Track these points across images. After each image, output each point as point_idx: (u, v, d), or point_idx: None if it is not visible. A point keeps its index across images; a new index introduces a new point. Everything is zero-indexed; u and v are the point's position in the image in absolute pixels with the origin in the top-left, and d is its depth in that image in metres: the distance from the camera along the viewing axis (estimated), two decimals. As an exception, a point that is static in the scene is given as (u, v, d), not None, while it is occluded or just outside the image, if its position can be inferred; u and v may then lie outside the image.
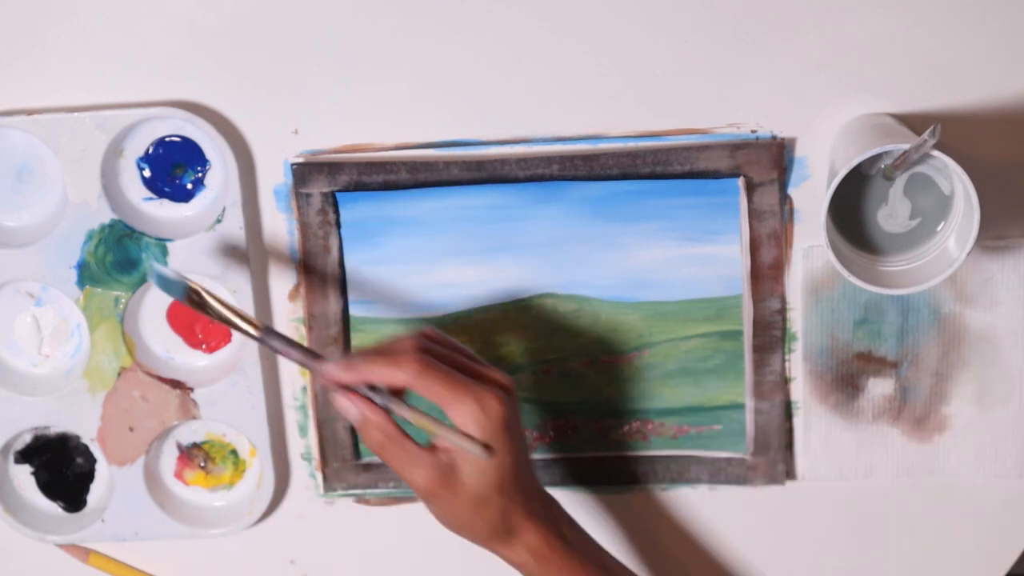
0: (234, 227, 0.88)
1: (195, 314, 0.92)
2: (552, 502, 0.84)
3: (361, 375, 0.78)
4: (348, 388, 0.79)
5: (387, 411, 0.79)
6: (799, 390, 0.91)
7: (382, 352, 0.79)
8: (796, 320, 0.89)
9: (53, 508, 0.97)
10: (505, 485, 0.79)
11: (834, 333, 0.89)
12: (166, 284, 0.82)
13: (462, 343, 0.82)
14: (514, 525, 0.80)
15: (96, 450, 0.95)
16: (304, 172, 0.88)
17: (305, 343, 0.91)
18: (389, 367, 0.77)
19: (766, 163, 0.86)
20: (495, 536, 0.81)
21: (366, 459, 0.94)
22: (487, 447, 0.77)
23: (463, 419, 0.77)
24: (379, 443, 0.79)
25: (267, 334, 0.80)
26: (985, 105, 0.84)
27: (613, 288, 0.89)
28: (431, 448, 0.79)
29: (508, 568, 0.94)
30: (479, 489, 0.78)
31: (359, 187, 0.88)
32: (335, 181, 0.87)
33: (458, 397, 0.77)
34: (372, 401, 0.78)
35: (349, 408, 0.79)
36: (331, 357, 0.82)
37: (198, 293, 0.81)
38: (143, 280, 0.90)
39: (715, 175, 0.86)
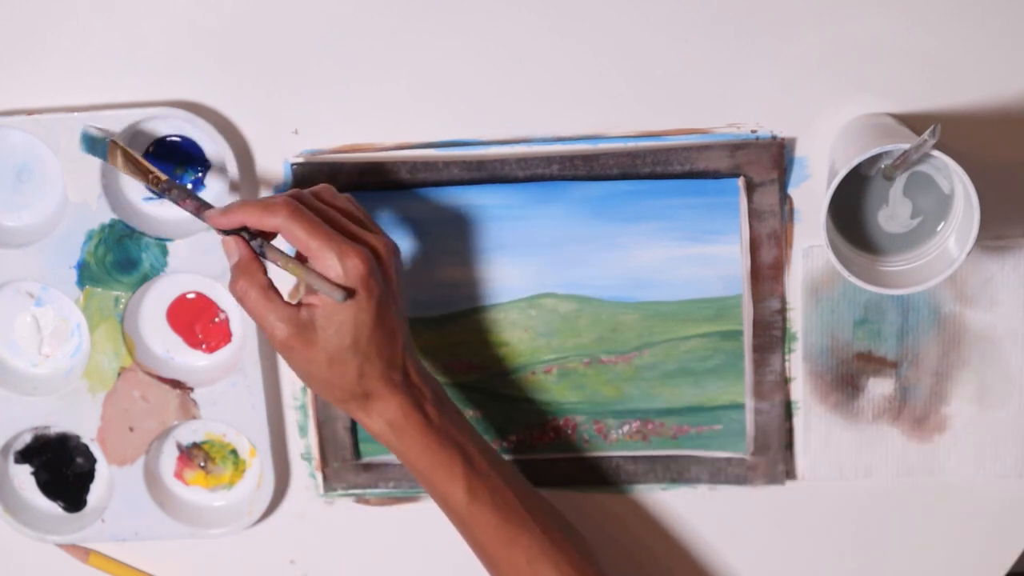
0: (234, 227, 0.88)
1: (195, 314, 0.92)
2: (428, 381, 0.84)
3: (237, 217, 0.80)
4: (232, 233, 0.80)
5: (261, 257, 0.80)
6: (799, 390, 0.91)
7: (261, 200, 0.80)
8: (796, 320, 0.89)
9: (53, 508, 0.97)
10: (361, 344, 0.79)
11: (834, 333, 0.89)
12: (92, 145, 0.85)
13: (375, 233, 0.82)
14: (371, 390, 0.81)
15: (96, 450, 0.95)
16: (304, 172, 0.88)
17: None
18: (261, 211, 0.78)
19: (766, 163, 0.86)
20: (352, 398, 0.81)
21: (366, 459, 0.94)
22: (347, 291, 0.78)
23: (322, 268, 0.78)
24: (243, 289, 0.80)
25: (168, 185, 0.82)
26: (985, 105, 0.84)
27: (613, 288, 0.89)
28: (295, 305, 0.80)
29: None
30: (334, 344, 0.79)
31: (359, 187, 0.88)
32: (335, 181, 0.87)
33: (321, 247, 0.78)
34: (250, 247, 0.80)
35: (231, 249, 0.80)
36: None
37: (115, 144, 0.83)
38: (143, 280, 0.90)
39: (715, 175, 0.86)
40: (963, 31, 0.83)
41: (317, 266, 0.78)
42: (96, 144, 0.85)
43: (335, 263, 0.78)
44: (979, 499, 0.92)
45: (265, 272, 0.80)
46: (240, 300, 0.80)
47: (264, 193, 0.89)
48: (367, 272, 0.78)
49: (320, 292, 0.78)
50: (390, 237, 0.82)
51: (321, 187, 0.83)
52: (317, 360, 0.80)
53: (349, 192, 0.87)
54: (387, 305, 0.80)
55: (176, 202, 0.82)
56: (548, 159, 0.86)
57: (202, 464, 0.95)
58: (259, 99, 0.87)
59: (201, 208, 0.82)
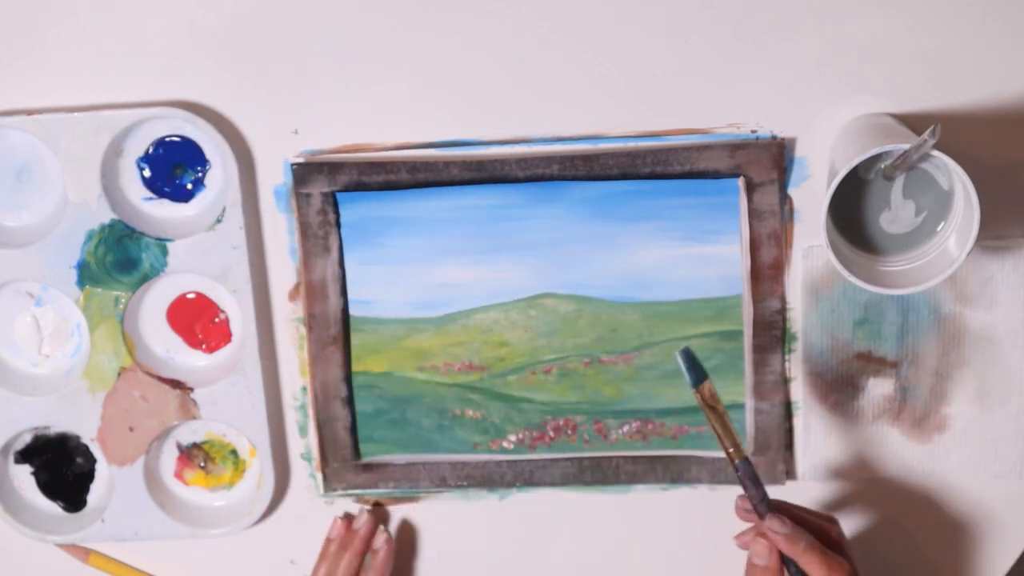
0: (234, 227, 0.88)
1: (195, 314, 0.92)
2: None
3: (796, 550, 0.81)
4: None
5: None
6: (799, 390, 0.91)
7: (823, 549, 0.82)
8: (796, 320, 0.89)
9: (53, 508, 0.97)
10: None
11: (834, 333, 0.89)
12: (692, 365, 0.82)
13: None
14: None
15: (96, 450, 0.95)
16: (304, 172, 0.88)
17: (305, 344, 0.91)
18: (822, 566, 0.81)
19: (766, 163, 0.86)
20: None
21: (366, 459, 0.94)
22: None
23: None
24: None
25: (745, 465, 0.82)
26: (985, 105, 0.84)
27: (613, 288, 0.89)
28: None
29: (507, 569, 0.95)
30: None
31: (359, 187, 0.88)
32: (335, 181, 0.87)
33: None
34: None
35: (763, 553, 0.83)
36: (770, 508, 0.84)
37: (712, 394, 0.82)
38: (143, 280, 0.90)
39: (715, 175, 0.86)
40: (963, 31, 0.83)
41: None
42: (697, 370, 0.82)
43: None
44: (979, 499, 0.92)
45: None
46: None
47: (264, 192, 0.89)
48: None
49: None
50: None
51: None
52: None
53: (349, 192, 0.87)
54: None
55: (744, 484, 0.83)
56: (548, 159, 0.86)
57: (202, 464, 0.95)
58: (259, 99, 0.88)
59: (762, 504, 0.82)
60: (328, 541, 0.94)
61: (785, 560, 0.82)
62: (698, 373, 0.82)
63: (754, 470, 0.82)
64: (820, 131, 0.85)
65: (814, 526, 0.84)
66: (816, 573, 0.81)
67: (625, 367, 0.91)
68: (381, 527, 0.94)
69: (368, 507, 0.95)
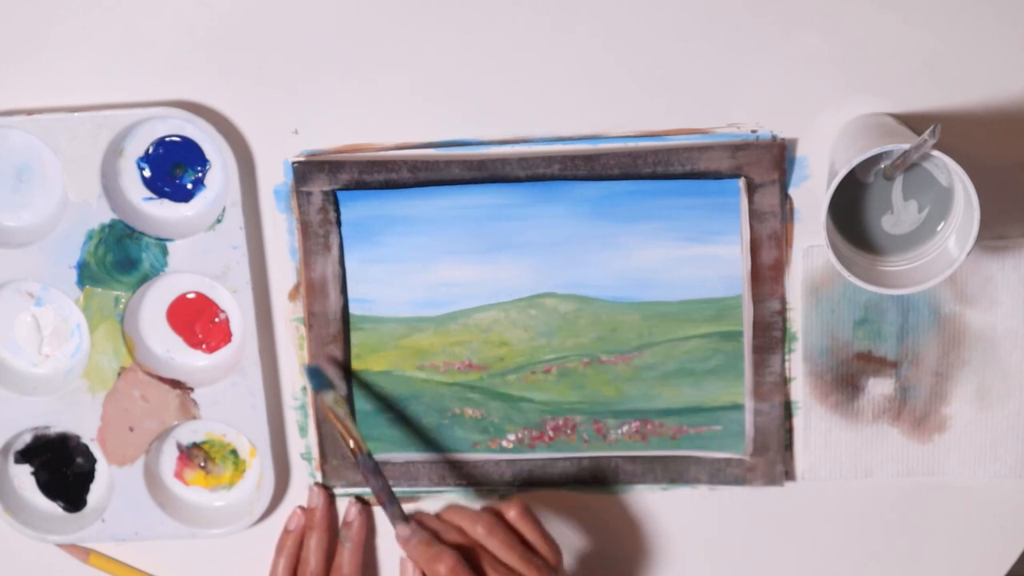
0: (234, 227, 0.88)
1: (195, 314, 0.92)
2: None
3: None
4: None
5: None
6: (799, 390, 0.91)
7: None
8: (796, 320, 0.90)
9: (53, 508, 0.97)
10: None
11: (834, 333, 0.89)
12: (316, 377, 0.90)
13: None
14: None
15: (96, 450, 0.95)
16: (305, 170, 0.88)
17: (305, 343, 0.91)
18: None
19: (767, 164, 0.86)
20: None
21: (366, 459, 0.94)
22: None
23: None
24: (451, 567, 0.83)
25: (366, 459, 0.86)
26: (985, 105, 0.84)
27: (613, 288, 0.89)
28: None
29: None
30: None
31: (360, 185, 0.88)
32: (336, 179, 0.88)
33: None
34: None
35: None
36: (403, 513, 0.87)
37: (335, 400, 0.89)
38: (143, 280, 0.90)
39: (716, 176, 0.86)
40: (963, 31, 0.83)
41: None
42: (320, 381, 0.90)
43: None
44: (979, 499, 0.92)
45: None
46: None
47: (264, 192, 0.89)
48: None
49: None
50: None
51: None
52: None
53: (350, 191, 0.87)
54: None
55: (366, 477, 0.86)
56: (549, 159, 0.86)
57: (202, 464, 0.95)
58: (259, 99, 0.88)
59: (390, 503, 0.86)
60: (286, 533, 0.94)
61: None
62: (321, 383, 0.90)
63: (376, 464, 0.86)
64: (820, 131, 0.85)
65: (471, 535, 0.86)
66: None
67: (625, 367, 0.91)
68: (351, 499, 0.94)
69: (318, 483, 0.95)
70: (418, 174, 0.87)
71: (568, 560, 0.96)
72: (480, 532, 0.85)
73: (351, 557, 0.93)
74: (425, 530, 0.85)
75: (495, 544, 0.85)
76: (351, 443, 0.86)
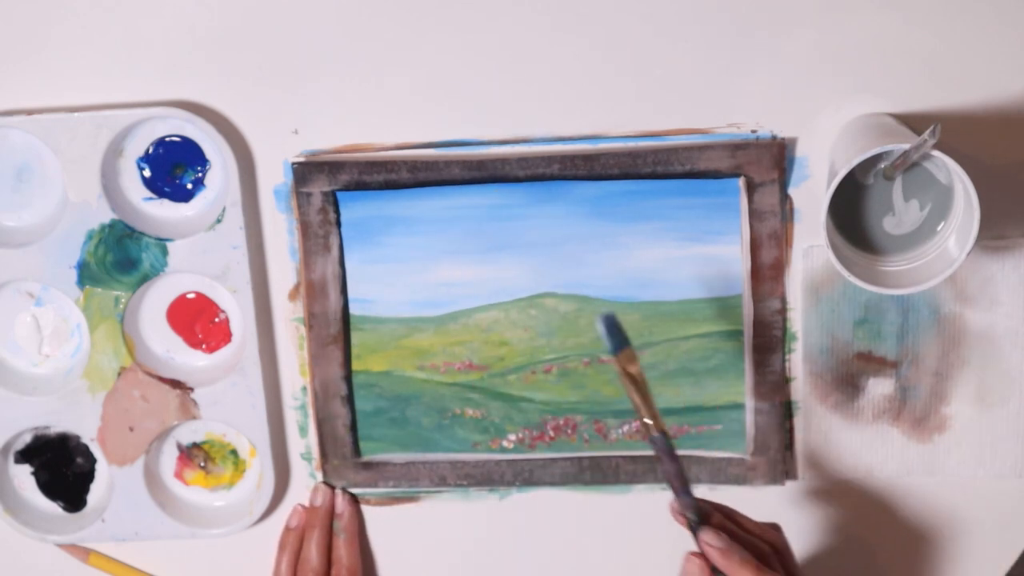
0: (234, 227, 0.88)
1: (195, 314, 0.92)
2: None
3: (730, 564, 0.79)
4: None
5: None
6: (799, 390, 0.91)
7: (757, 565, 0.79)
8: (796, 320, 0.90)
9: (53, 508, 0.97)
10: None
11: (834, 333, 0.89)
12: (613, 331, 0.79)
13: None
14: None
15: (96, 450, 0.95)
16: (305, 171, 0.88)
17: (305, 343, 0.92)
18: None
19: (767, 163, 0.86)
20: None
21: (366, 457, 0.94)
22: None
23: None
24: None
25: (661, 439, 0.79)
26: (985, 105, 0.84)
27: (613, 288, 0.89)
28: None
29: (507, 569, 0.95)
30: None
31: (360, 186, 0.88)
32: (336, 180, 0.88)
33: None
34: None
35: (695, 572, 0.80)
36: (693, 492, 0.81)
37: (631, 361, 0.79)
38: (143, 280, 0.90)
39: (715, 175, 0.86)
40: (963, 31, 0.83)
41: None
42: (618, 338, 0.79)
43: None
44: (979, 499, 0.92)
45: None
46: None
47: (264, 192, 0.89)
48: None
49: None
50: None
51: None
52: None
53: (350, 191, 0.87)
54: None
55: (660, 457, 0.79)
56: (549, 158, 0.86)
57: (202, 464, 0.95)
58: (259, 99, 0.88)
59: (685, 500, 0.79)
60: (287, 531, 0.94)
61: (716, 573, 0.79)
62: (619, 340, 0.79)
63: (671, 444, 0.79)
64: (820, 131, 0.85)
65: (755, 534, 0.82)
66: None
67: (625, 367, 0.91)
68: (338, 490, 0.94)
69: (321, 481, 0.95)
70: (418, 174, 0.87)
71: (568, 560, 0.96)
72: (766, 550, 0.81)
73: (348, 547, 0.93)
74: (735, 541, 0.80)
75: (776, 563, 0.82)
76: (646, 417, 0.79)
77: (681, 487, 0.79)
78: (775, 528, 0.84)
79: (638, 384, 0.79)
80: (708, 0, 0.84)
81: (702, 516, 0.80)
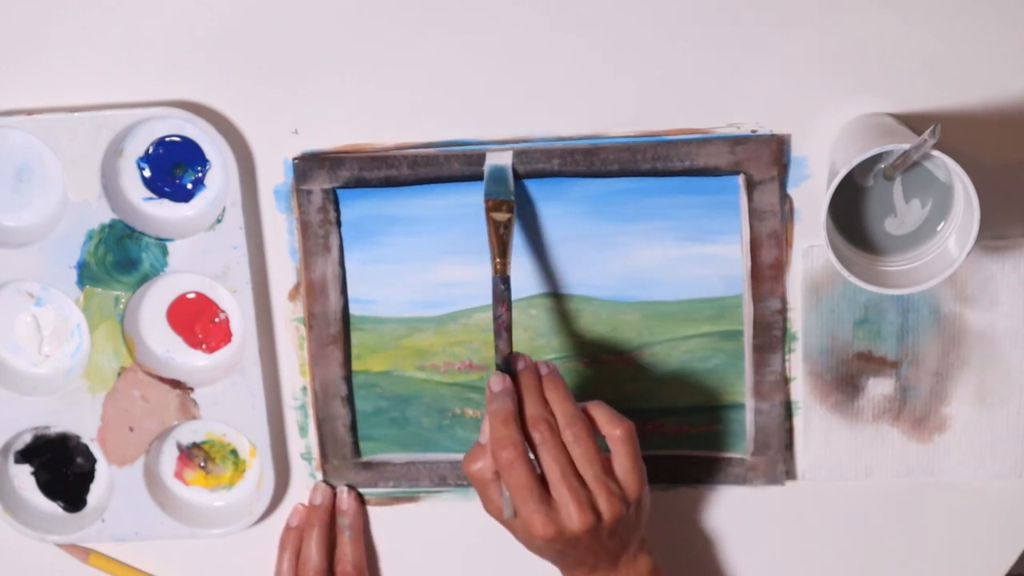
0: (234, 227, 0.88)
1: (195, 314, 0.92)
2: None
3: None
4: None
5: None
6: (799, 390, 0.91)
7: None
8: (796, 320, 0.89)
9: (53, 508, 0.97)
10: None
11: (834, 333, 0.89)
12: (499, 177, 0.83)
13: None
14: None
15: (96, 450, 0.95)
16: (305, 167, 0.88)
17: (305, 343, 0.92)
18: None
19: (766, 159, 0.86)
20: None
21: (366, 457, 0.94)
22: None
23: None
24: (509, 460, 0.78)
25: (500, 278, 0.81)
26: (985, 105, 0.84)
27: (613, 288, 0.89)
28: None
29: (507, 569, 0.94)
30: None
31: (360, 183, 0.88)
32: (336, 176, 0.87)
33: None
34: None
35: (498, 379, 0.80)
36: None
37: (499, 209, 0.82)
38: (143, 280, 0.90)
39: (715, 172, 0.86)
40: (963, 31, 0.83)
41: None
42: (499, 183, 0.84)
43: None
44: (979, 499, 0.92)
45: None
46: (503, 470, 0.79)
47: (264, 192, 0.89)
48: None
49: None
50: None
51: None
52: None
53: (350, 189, 0.87)
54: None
55: (494, 297, 0.81)
56: (548, 153, 0.86)
57: (202, 464, 0.95)
58: (259, 99, 0.88)
59: (499, 344, 0.81)
60: (288, 530, 0.94)
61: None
62: (497, 189, 0.83)
63: (508, 294, 0.81)
64: (820, 131, 0.85)
65: (566, 413, 0.80)
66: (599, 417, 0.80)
67: (625, 367, 0.91)
68: (344, 488, 0.94)
69: (321, 479, 0.94)
70: (418, 170, 0.87)
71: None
72: (568, 436, 0.79)
73: (353, 545, 0.93)
74: (516, 397, 0.79)
75: (577, 453, 0.79)
76: (497, 256, 0.82)
77: (497, 333, 0.80)
78: (614, 423, 0.81)
79: (499, 230, 0.82)
80: (708, 0, 0.84)
81: (511, 370, 0.81)
